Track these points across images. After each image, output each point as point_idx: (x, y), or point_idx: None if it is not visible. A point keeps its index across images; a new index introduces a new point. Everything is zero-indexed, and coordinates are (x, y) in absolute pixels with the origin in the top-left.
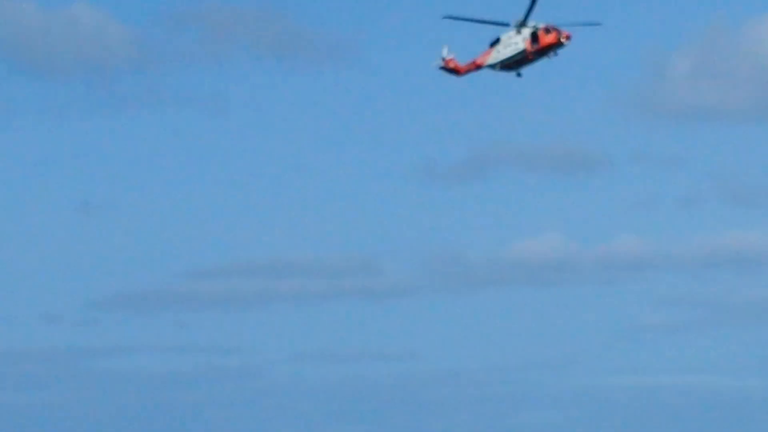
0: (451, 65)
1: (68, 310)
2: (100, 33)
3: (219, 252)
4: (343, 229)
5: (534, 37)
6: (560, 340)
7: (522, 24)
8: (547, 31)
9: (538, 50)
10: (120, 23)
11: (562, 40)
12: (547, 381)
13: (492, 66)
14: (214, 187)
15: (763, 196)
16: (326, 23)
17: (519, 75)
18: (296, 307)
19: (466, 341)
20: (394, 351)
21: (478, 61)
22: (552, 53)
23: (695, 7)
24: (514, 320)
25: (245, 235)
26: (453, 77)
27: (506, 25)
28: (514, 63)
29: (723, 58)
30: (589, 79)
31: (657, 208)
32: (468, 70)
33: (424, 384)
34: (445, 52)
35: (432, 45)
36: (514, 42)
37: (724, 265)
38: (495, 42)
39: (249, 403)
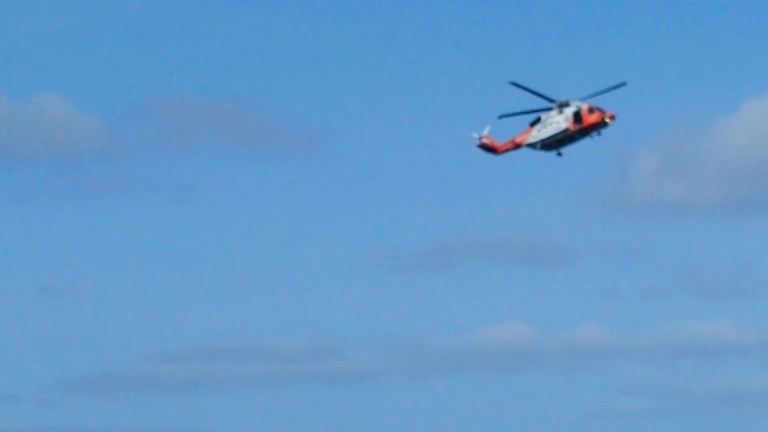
0: (489, 143)
1: (29, 391)
2: (67, 122)
3: (183, 335)
4: (308, 314)
5: (577, 116)
6: (524, 427)
7: (565, 104)
8: (591, 111)
9: (581, 129)
10: (87, 113)
11: (606, 119)
12: None
13: (532, 145)
14: (178, 272)
15: (725, 288)
16: (293, 114)
17: (559, 155)
18: (260, 390)
19: (429, 427)
20: None
21: (518, 141)
22: (595, 133)
23: (662, 105)
24: (478, 407)
25: (210, 319)
26: (491, 155)
27: (552, 101)
28: (555, 142)
29: (688, 155)
30: (556, 172)
31: (621, 299)
32: (506, 149)
33: None
34: (486, 131)
35: (399, 134)
36: (556, 121)
37: (686, 354)
38: (535, 121)
39: None
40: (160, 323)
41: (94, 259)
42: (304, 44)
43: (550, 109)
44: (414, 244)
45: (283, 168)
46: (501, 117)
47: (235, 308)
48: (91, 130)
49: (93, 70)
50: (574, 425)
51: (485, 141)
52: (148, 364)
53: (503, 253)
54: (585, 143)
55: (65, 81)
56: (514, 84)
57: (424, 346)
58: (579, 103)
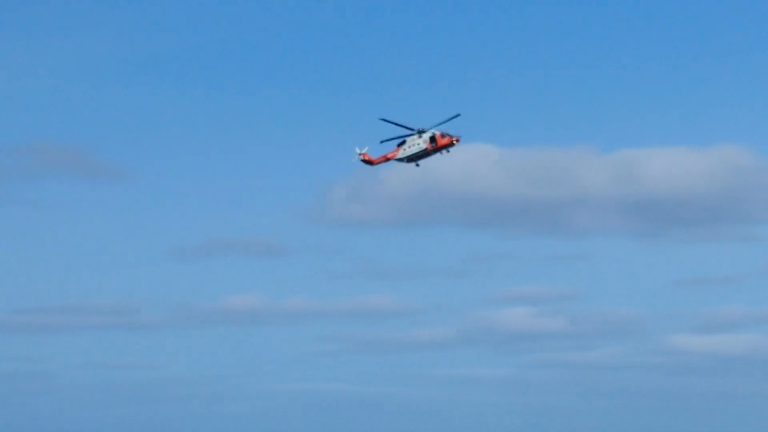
0: (367, 158)
1: None
2: None
3: (29, 295)
4: (118, 284)
5: (432, 139)
6: (262, 365)
7: (422, 131)
8: (443, 135)
9: (435, 148)
10: None
11: (454, 141)
12: None
13: (401, 159)
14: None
15: (390, 274)
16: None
17: (417, 165)
18: (82, 335)
19: (199, 364)
20: None
21: (389, 156)
22: (446, 150)
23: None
24: (230, 350)
25: (47, 284)
26: (369, 167)
27: (412, 129)
28: (417, 157)
29: (367, 187)
30: (284, 194)
31: (322, 279)
32: (380, 162)
33: None
34: (365, 149)
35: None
36: (417, 143)
37: (360, 316)
38: (401, 143)
39: None
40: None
41: None
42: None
43: (411, 134)
44: (190, 240)
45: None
46: (382, 142)
47: (67, 276)
48: None
49: None
50: (289, 362)
51: (364, 157)
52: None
53: (246, 249)
54: None
55: None
56: (384, 120)
57: (194, 307)
58: (434, 130)
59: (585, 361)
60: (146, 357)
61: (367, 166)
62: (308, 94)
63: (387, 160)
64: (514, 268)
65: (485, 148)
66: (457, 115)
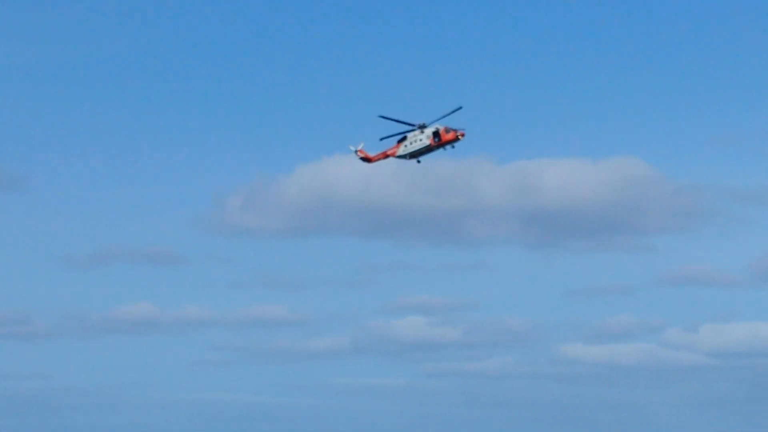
0: (363, 155)
1: None
2: None
3: None
4: (10, 294)
5: (436, 135)
6: (154, 371)
7: (423, 126)
8: (447, 131)
9: (439, 144)
10: None
11: (459, 137)
12: None
13: (403, 156)
14: None
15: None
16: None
17: (419, 162)
18: None
19: (95, 373)
20: None
21: (389, 153)
22: (450, 146)
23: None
24: (121, 358)
25: None
26: (366, 164)
27: (412, 125)
28: (419, 153)
29: (263, 197)
30: (179, 202)
31: (216, 288)
32: (378, 159)
33: None
34: (354, 147)
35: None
36: (419, 139)
37: (257, 324)
38: (402, 139)
39: None
40: None
41: None
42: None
43: (412, 130)
44: (83, 248)
45: None
46: (382, 139)
47: None
48: None
49: None
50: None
51: (360, 153)
52: None
53: (140, 258)
54: None
55: None
56: (383, 117)
57: (87, 316)
58: (437, 125)
59: (479, 371)
60: (38, 366)
61: (365, 164)
62: (205, 102)
63: (386, 156)
64: (410, 277)
65: None
66: (460, 108)
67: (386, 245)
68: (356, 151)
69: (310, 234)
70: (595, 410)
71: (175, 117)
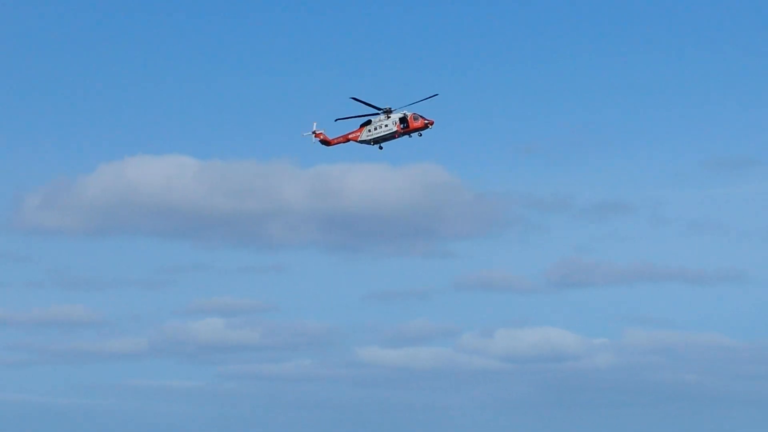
0: (322, 138)
1: None
2: None
3: None
4: None
5: (403, 121)
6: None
7: (389, 111)
8: (416, 118)
9: (406, 131)
10: None
11: (428, 125)
12: None
13: (366, 141)
14: None
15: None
16: None
17: (381, 148)
18: None
19: None
20: None
21: (351, 137)
22: (417, 134)
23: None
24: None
25: None
26: (324, 147)
27: (379, 110)
28: (383, 139)
29: (61, 198)
30: None
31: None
32: (338, 143)
33: None
34: (314, 127)
35: None
36: (385, 124)
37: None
38: (366, 123)
39: None
40: None
41: None
42: None
43: (377, 114)
44: None
45: None
46: (337, 120)
47: None
48: None
49: None
50: None
51: (318, 136)
52: None
53: None
54: None
55: None
56: (355, 99)
57: None
58: (405, 111)
59: (277, 373)
60: None
61: (323, 147)
62: (4, 99)
63: (347, 140)
64: (210, 279)
65: (184, 159)
66: (435, 95)
67: (186, 246)
68: (312, 133)
69: (109, 234)
70: (391, 413)
71: None
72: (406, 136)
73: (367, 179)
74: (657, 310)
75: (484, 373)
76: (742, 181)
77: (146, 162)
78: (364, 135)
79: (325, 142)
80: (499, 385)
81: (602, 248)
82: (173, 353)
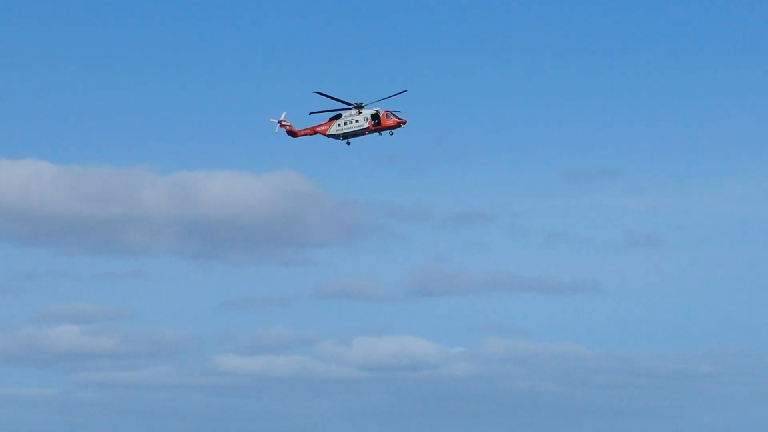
0: (288, 128)
1: None
2: None
3: None
4: None
5: (375, 118)
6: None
7: (360, 106)
8: (388, 116)
9: (377, 129)
10: None
11: (401, 124)
12: None
13: (335, 136)
14: None
15: None
16: None
17: (348, 143)
18: None
19: None
20: None
21: (318, 130)
22: (389, 133)
23: None
24: None
25: None
26: (290, 138)
27: (349, 104)
28: (352, 135)
29: None
30: None
31: None
32: (305, 134)
33: None
34: (283, 116)
35: None
36: (356, 120)
37: None
38: (336, 117)
39: None
40: None
41: None
42: None
43: (348, 108)
44: None
45: None
46: (311, 113)
47: None
48: None
49: None
50: None
51: (284, 125)
52: None
53: None
54: None
55: None
56: (319, 93)
57: None
58: (378, 107)
59: (134, 381)
60: None
61: (290, 137)
62: None
63: (314, 133)
64: (66, 285)
65: (40, 164)
66: (404, 91)
67: (42, 252)
68: (279, 122)
69: None
70: (248, 421)
71: None
72: (377, 134)
73: (228, 186)
74: (514, 319)
75: (341, 381)
76: (599, 192)
77: (2, 167)
78: (333, 129)
79: (292, 133)
80: (357, 393)
81: (461, 258)
82: (27, 360)
